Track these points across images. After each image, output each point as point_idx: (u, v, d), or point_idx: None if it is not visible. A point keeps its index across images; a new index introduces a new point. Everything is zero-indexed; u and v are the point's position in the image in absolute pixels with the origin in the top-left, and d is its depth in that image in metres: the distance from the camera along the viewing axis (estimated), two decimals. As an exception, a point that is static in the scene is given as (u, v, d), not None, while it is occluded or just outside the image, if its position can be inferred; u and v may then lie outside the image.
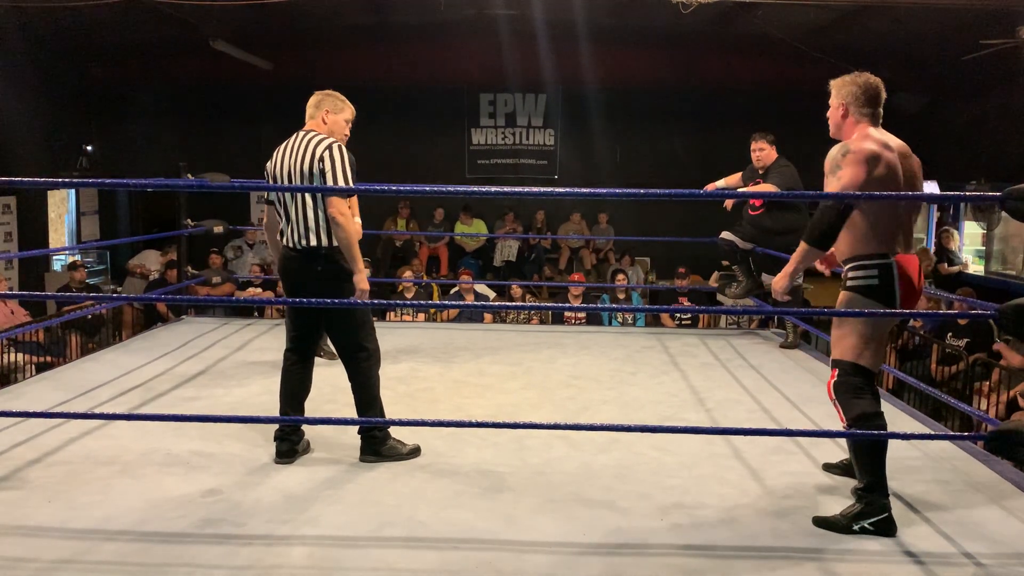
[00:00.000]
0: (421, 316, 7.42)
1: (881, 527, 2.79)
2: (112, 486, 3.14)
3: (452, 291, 8.48)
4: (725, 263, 9.18)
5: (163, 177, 7.14)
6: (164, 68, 11.67)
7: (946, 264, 10.17)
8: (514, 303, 8.11)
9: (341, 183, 3.28)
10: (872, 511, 2.79)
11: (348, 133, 3.56)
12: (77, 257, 10.13)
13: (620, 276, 8.66)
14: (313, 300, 3.35)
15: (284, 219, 3.42)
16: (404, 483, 3.23)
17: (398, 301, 7.68)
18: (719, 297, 6.59)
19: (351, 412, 3.56)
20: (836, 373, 2.92)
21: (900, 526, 2.83)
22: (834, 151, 2.88)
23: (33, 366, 6.49)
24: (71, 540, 2.69)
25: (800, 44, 9.50)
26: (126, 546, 2.66)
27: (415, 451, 3.53)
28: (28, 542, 2.67)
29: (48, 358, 6.76)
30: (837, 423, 2.98)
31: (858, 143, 2.85)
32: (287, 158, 3.38)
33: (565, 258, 11.38)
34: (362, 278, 3.37)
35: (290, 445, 3.45)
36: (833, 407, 2.94)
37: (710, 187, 5.66)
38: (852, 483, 2.95)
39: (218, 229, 6.51)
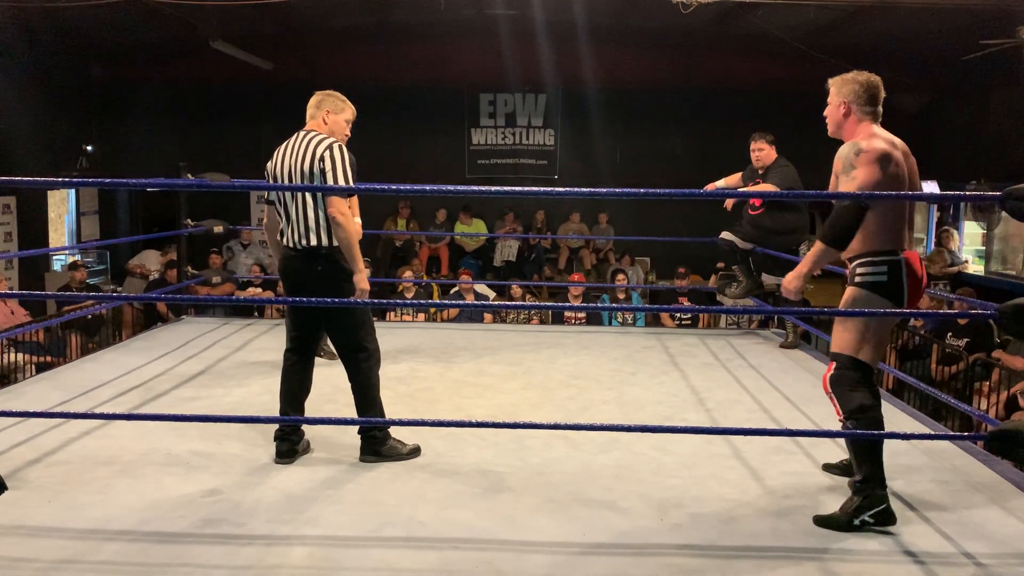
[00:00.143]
0: (421, 316, 7.43)
1: (881, 518, 2.81)
2: (112, 486, 3.14)
3: (452, 291, 8.48)
4: (720, 265, 9.20)
5: (163, 177, 7.14)
6: (164, 68, 11.68)
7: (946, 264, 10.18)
8: (514, 303, 8.11)
9: (341, 183, 3.27)
10: (871, 503, 2.81)
11: (349, 133, 3.55)
12: (77, 257, 10.13)
13: (620, 276, 8.66)
14: (313, 300, 3.35)
15: (284, 219, 3.42)
16: (404, 483, 3.23)
17: (398, 301, 7.68)
18: (719, 297, 6.58)
19: (351, 412, 3.56)
20: (833, 366, 2.92)
21: (900, 525, 2.84)
22: (845, 150, 2.86)
23: (33, 366, 6.49)
24: (71, 540, 2.69)
25: (800, 44, 9.51)
26: (126, 546, 2.66)
27: (415, 451, 3.53)
28: (28, 542, 2.67)
29: (48, 358, 6.76)
30: (837, 423, 2.98)
31: (870, 142, 2.83)
32: (287, 158, 3.38)
33: (565, 258, 11.38)
34: (362, 278, 3.37)
35: (290, 445, 3.45)
36: (830, 402, 2.95)
37: (710, 187, 5.65)
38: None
39: (218, 229, 6.51)
